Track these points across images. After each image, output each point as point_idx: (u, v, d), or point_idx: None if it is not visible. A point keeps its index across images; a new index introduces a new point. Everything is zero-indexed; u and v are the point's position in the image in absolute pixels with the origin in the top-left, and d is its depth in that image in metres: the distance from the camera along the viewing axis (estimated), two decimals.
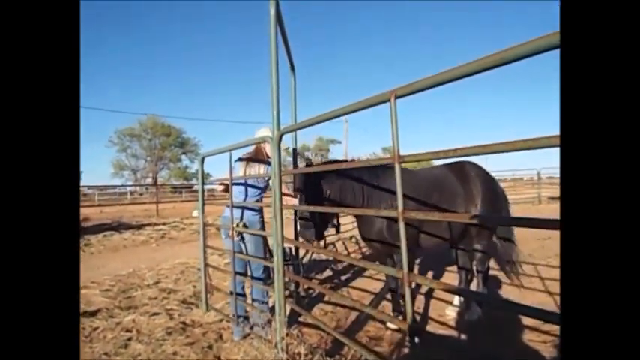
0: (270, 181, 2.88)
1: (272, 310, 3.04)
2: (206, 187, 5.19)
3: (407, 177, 3.23)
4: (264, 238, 3.33)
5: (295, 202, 3.32)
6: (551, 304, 3.86)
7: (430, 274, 5.54)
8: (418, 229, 3.19)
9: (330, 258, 6.25)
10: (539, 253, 6.33)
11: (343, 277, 5.47)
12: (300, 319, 3.52)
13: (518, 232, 4.11)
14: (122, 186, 36.95)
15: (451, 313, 3.74)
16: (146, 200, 24.60)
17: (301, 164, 3.44)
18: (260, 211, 3.35)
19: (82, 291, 4.72)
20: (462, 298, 3.81)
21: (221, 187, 3.64)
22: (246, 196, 3.31)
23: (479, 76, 1.28)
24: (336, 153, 44.70)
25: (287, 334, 2.45)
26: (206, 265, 3.75)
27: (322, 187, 2.97)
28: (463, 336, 3.29)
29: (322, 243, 6.86)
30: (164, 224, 12.50)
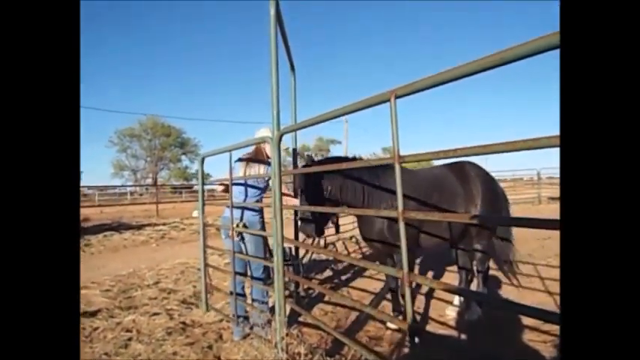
0: (270, 181, 2.88)
1: (272, 310, 3.04)
2: (206, 187, 5.19)
3: (407, 177, 3.23)
4: (265, 239, 3.33)
5: (295, 202, 3.32)
6: (551, 304, 3.86)
7: (430, 274, 5.54)
8: (418, 229, 3.19)
9: (330, 258, 6.25)
10: (539, 253, 6.33)
11: (343, 277, 5.47)
12: (300, 319, 3.52)
13: (519, 232, 4.11)
14: (122, 186, 36.96)
15: (451, 313, 3.73)
16: (146, 200, 24.59)
17: (302, 162, 3.42)
18: (260, 212, 3.35)
19: (83, 291, 4.72)
20: (462, 298, 3.81)
21: (221, 188, 3.64)
22: (246, 196, 3.31)
23: (479, 76, 1.28)
24: (336, 153, 44.71)
25: (287, 334, 2.45)
26: (206, 265, 3.76)
27: (323, 184, 2.97)
28: (463, 336, 3.29)
29: (322, 242, 6.87)
30: (164, 224, 12.49)
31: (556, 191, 16.57)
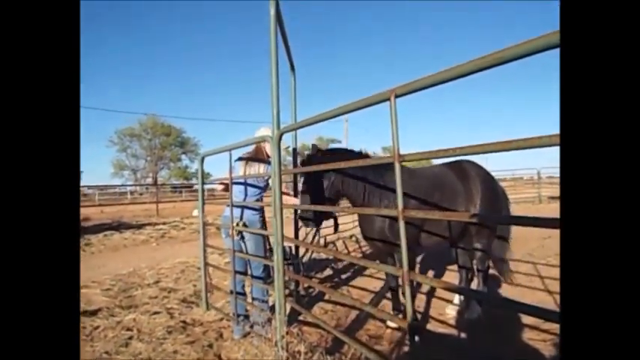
0: (270, 181, 2.88)
1: (272, 309, 3.05)
2: (206, 186, 5.19)
3: (408, 176, 3.23)
4: (265, 237, 3.33)
5: (295, 201, 3.32)
6: (551, 303, 3.87)
7: (430, 273, 5.54)
8: (420, 228, 3.19)
9: (330, 257, 6.25)
10: (539, 253, 6.34)
11: (343, 276, 5.48)
12: (301, 317, 3.52)
13: (519, 232, 4.12)
14: (122, 186, 36.94)
15: (451, 312, 3.74)
16: (146, 200, 24.59)
17: (300, 159, 3.39)
18: (260, 211, 3.35)
19: (83, 290, 4.72)
20: (462, 297, 3.81)
21: (221, 187, 3.64)
22: (246, 195, 3.31)
23: (479, 75, 1.28)
24: None
25: (287, 333, 2.45)
26: (206, 264, 3.76)
27: (325, 176, 2.97)
28: (463, 335, 3.30)
29: (322, 241, 6.86)
30: (164, 224, 12.50)
31: (556, 190, 16.56)
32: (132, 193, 32.92)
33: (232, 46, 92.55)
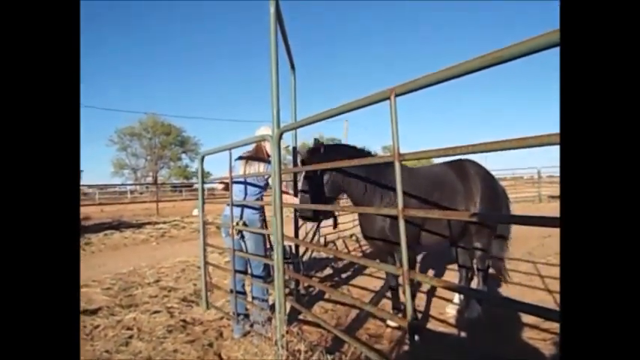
0: (270, 180, 2.88)
1: (272, 308, 3.05)
2: (206, 185, 5.19)
3: (408, 175, 3.23)
4: (265, 236, 3.33)
5: (295, 200, 3.32)
6: (551, 302, 3.87)
7: (430, 272, 5.54)
8: (420, 227, 3.19)
9: (331, 256, 6.25)
10: (539, 252, 6.34)
11: (343, 275, 5.48)
12: (301, 316, 3.52)
13: (519, 231, 4.12)
14: (122, 185, 36.91)
15: (451, 311, 3.74)
16: (146, 199, 24.59)
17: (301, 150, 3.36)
18: (260, 210, 3.35)
19: (83, 289, 4.73)
20: (462, 296, 3.81)
21: (221, 186, 3.64)
22: (246, 194, 3.31)
23: (479, 74, 1.28)
24: None
25: (287, 332, 2.45)
26: (206, 263, 3.76)
27: (325, 171, 2.97)
28: (463, 334, 3.30)
29: (322, 240, 6.87)
30: (164, 223, 12.50)
31: (556, 190, 16.55)
32: (132, 192, 32.90)
33: (232, 46, 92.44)
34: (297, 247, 3.98)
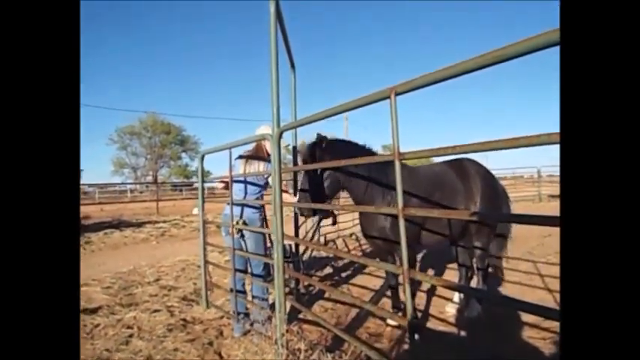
0: (270, 179, 2.88)
1: (272, 307, 3.05)
2: (206, 184, 5.19)
3: (408, 174, 3.22)
4: (265, 235, 3.33)
5: (294, 199, 3.32)
6: (550, 301, 3.87)
7: (430, 271, 5.55)
8: (421, 227, 3.18)
9: (331, 255, 6.26)
10: (539, 251, 6.34)
11: (343, 275, 5.48)
12: (301, 315, 3.53)
13: (519, 230, 4.12)
14: (122, 184, 36.85)
15: (451, 310, 3.74)
16: (146, 198, 24.60)
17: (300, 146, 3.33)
18: (260, 209, 3.35)
19: (83, 288, 4.73)
20: (462, 295, 3.81)
21: (221, 185, 3.64)
22: (246, 193, 3.31)
23: (479, 74, 1.28)
24: None
25: (287, 331, 2.45)
26: (206, 262, 3.76)
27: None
28: (463, 333, 3.30)
29: (322, 240, 6.87)
30: (164, 222, 12.50)
31: (556, 189, 16.55)
32: (132, 191, 32.87)
33: (232, 45, 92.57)
34: (297, 246, 3.98)
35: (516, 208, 4.80)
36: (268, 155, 3.33)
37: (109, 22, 70.04)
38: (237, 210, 3.24)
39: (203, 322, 3.62)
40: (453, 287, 1.86)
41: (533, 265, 5.30)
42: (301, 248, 4.61)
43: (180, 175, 41.17)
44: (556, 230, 0.90)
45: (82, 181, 21.40)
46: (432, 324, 3.50)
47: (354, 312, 3.78)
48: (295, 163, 3.88)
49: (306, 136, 3.41)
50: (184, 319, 3.65)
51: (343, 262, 6.06)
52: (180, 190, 33.21)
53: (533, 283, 4.53)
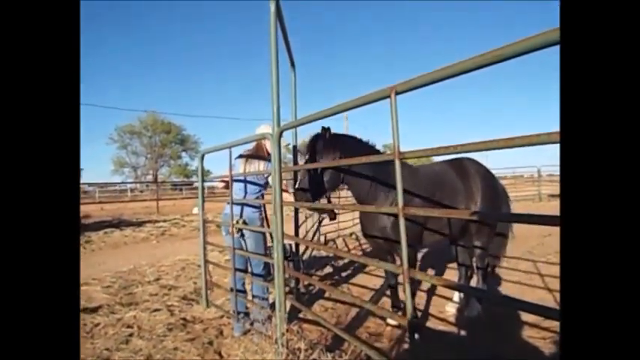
0: (270, 178, 2.88)
1: (272, 306, 3.05)
2: (206, 184, 5.19)
3: (411, 173, 3.22)
4: (265, 235, 3.33)
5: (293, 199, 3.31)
6: (550, 300, 3.87)
7: (430, 270, 5.55)
8: (423, 226, 3.17)
9: (331, 255, 6.26)
10: (539, 250, 6.34)
11: (343, 274, 5.48)
12: (301, 315, 3.53)
13: (519, 229, 4.12)
14: (122, 183, 36.83)
15: (451, 310, 3.74)
16: (146, 197, 24.64)
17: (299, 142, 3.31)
18: (260, 208, 3.35)
19: (83, 288, 4.73)
20: (461, 295, 3.81)
21: (222, 184, 3.64)
22: (246, 193, 3.31)
23: (478, 73, 1.28)
24: None
25: (287, 330, 2.45)
26: (206, 261, 3.76)
27: (328, 156, 2.93)
28: (463, 332, 3.30)
29: (322, 239, 6.88)
30: (164, 221, 12.51)
31: (556, 189, 16.54)
32: (132, 190, 32.87)
33: (232, 45, 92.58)
34: (297, 245, 3.98)
35: (516, 208, 4.80)
36: (268, 154, 3.33)
37: (109, 22, 70.08)
38: (237, 209, 3.24)
39: (203, 321, 3.62)
40: (452, 287, 1.87)
41: (533, 265, 5.30)
42: (301, 248, 4.61)
43: (181, 174, 41.19)
44: (556, 230, 0.90)
45: (82, 181, 21.41)
46: (431, 323, 3.50)
47: (354, 311, 3.78)
48: (295, 163, 3.88)
49: (307, 135, 3.40)
50: (184, 319, 3.66)
51: (343, 262, 6.06)
52: (181, 190, 33.24)
53: (533, 282, 4.53)
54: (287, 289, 2.95)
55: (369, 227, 3.25)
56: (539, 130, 1.10)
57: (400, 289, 3.40)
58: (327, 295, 4.27)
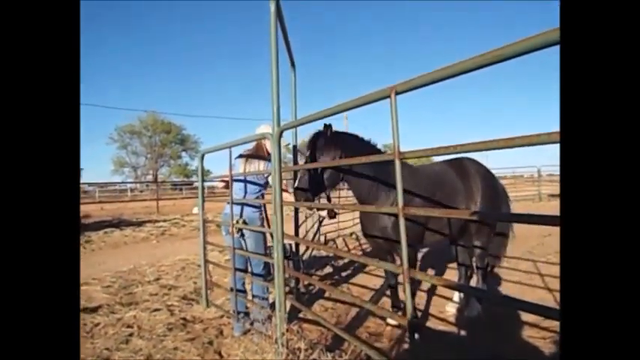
0: (270, 178, 2.87)
1: (272, 306, 3.05)
2: (206, 183, 5.19)
3: (411, 173, 3.22)
4: (265, 235, 3.33)
5: (292, 198, 3.31)
6: (550, 300, 3.87)
7: (430, 270, 5.55)
8: (424, 226, 3.17)
9: (331, 254, 6.26)
10: (539, 251, 6.34)
11: (343, 274, 5.48)
12: (301, 315, 3.53)
13: (519, 229, 4.12)
14: (123, 183, 36.82)
15: (451, 310, 3.74)
16: (146, 197, 24.65)
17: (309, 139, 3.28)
18: (260, 208, 3.35)
19: (83, 287, 4.73)
20: (461, 295, 3.81)
21: (222, 184, 3.64)
22: (246, 192, 3.31)
23: (477, 74, 1.28)
24: None
25: (287, 330, 2.46)
26: (206, 261, 3.76)
27: (329, 154, 2.92)
28: (463, 332, 3.30)
29: (322, 239, 6.87)
30: (164, 221, 12.51)
31: (556, 188, 16.54)
32: (132, 190, 32.87)
33: (232, 45, 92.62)
34: (297, 245, 3.98)
35: (516, 208, 4.80)
36: (268, 154, 3.33)
37: (109, 22, 70.09)
38: (237, 209, 3.24)
39: (203, 321, 3.62)
40: (452, 287, 1.86)
41: (533, 265, 5.30)
42: (301, 247, 4.61)
43: (181, 174, 41.19)
44: (556, 230, 0.90)
45: (82, 180, 21.40)
46: (431, 323, 3.50)
47: (354, 311, 3.78)
48: (295, 162, 3.88)
49: (307, 135, 3.40)
50: (184, 318, 3.66)
51: (343, 262, 6.06)
52: (181, 190, 33.24)
53: (533, 282, 4.53)
54: (287, 289, 2.95)
55: (369, 227, 3.24)
56: (539, 130, 1.10)
57: (400, 289, 3.40)
58: (327, 295, 4.27)
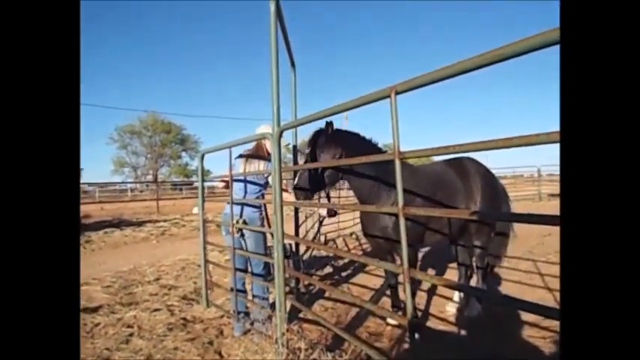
0: (270, 178, 2.87)
1: (272, 306, 3.05)
2: (206, 183, 5.19)
3: (410, 173, 3.21)
4: (265, 235, 3.33)
5: (293, 198, 3.31)
6: (550, 300, 3.87)
7: (430, 270, 5.55)
8: (425, 226, 3.17)
9: (331, 254, 6.26)
10: (539, 250, 6.34)
11: (343, 274, 5.48)
12: (301, 315, 3.53)
13: (519, 229, 4.12)
14: (123, 183, 36.79)
15: (451, 309, 3.74)
16: (146, 197, 24.64)
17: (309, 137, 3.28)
18: (260, 208, 3.35)
19: (83, 287, 4.73)
20: (461, 294, 3.81)
21: (222, 184, 3.64)
22: (246, 192, 3.31)
23: (477, 74, 1.28)
24: None
25: (287, 330, 2.46)
26: (206, 261, 3.76)
27: (329, 152, 2.91)
28: (463, 332, 3.30)
29: (322, 239, 6.87)
30: (164, 221, 12.51)
31: (556, 188, 16.54)
32: (132, 190, 32.86)
33: (232, 45, 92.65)
34: (297, 245, 3.98)
35: (516, 207, 4.80)
36: (268, 154, 3.33)
37: (109, 22, 70.07)
38: (237, 209, 3.24)
39: (203, 321, 3.62)
40: (453, 286, 1.86)
41: (533, 264, 5.30)
42: (301, 247, 4.60)
43: (181, 174, 41.18)
44: (556, 229, 0.90)
45: (82, 180, 21.41)
46: (432, 323, 3.50)
47: (354, 311, 3.78)
48: (295, 162, 3.88)
49: (307, 135, 3.40)
50: (184, 318, 3.66)
51: (343, 262, 6.06)
52: (181, 190, 33.24)
53: (533, 282, 4.53)
54: (287, 288, 2.95)
55: (370, 227, 3.24)
56: (538, 130, 1.10)
57: (400, 288, 3.40)
58: (327, 295, 4.27)
